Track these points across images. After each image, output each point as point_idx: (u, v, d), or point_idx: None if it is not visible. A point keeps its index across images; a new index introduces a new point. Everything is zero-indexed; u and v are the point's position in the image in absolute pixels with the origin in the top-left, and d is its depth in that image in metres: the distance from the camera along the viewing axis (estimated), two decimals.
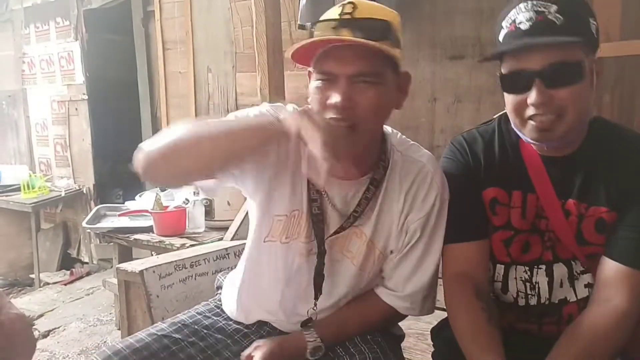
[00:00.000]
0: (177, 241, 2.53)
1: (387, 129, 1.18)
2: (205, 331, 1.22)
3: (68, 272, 4.64)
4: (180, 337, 1.18)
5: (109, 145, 4.54)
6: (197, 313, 1.29)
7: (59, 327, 3.30)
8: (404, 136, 1.21)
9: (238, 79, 3.03)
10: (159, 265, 1.95)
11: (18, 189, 4.64)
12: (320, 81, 1.04)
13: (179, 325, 1.21)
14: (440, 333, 1.31)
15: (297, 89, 2.74)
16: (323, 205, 1.14)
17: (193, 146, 0.96)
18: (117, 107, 4.28)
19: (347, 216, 1.13)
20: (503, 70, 1.05)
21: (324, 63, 1.03)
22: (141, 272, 1.88)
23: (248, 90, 2.91)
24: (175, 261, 2.00)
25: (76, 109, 4.52)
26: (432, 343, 1.34)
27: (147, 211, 2.70)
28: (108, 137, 4.50)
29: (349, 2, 1.04)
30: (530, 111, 1.02)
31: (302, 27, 2.42)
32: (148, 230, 2.66)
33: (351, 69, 1.00)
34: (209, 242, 2.35)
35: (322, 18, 1.06)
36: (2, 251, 5.02)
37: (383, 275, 1.20)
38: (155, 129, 3.65)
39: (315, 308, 1.18)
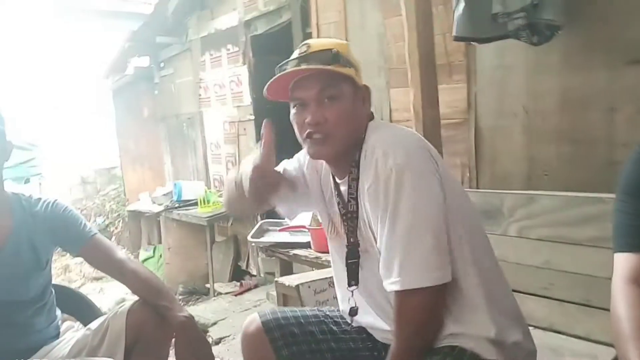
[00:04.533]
0: None
1: (373, 127, 1.35)
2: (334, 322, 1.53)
3: (238, 283, 5.08)
4: (321, 315, 1.53)
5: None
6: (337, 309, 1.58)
7: (229, 336, 3.62)
8: (386, 122, 1.44)
9: (392, 95, 3.11)
10: (314, 280, 2.10)
11: (196, 204, 5.24)
12: (295, 108, 1.34)
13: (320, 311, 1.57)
14: None
15: (452, 103, 2.73)
16: (343, 203, 1.40)
17: (227, 199, 1.45)
18: (281, 126, 4.58)
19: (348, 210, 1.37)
20: None
21: (295, 93, 1.33)
22: (297, 286, 2.05)
23: (402, 105, 2.96)
24: (330, 278, 2.14)
25: (244, 129, 4.98)
26: None
27: (305, 227, 2.87)
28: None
29: (304, 44, 1.34)
30: None
31: (458, 38, 2.39)
32: (306, 245, 2.83)
33: (314, 92, 1.29)
34: None
35: (285, 62, 1.34)
36: (183, 261, 5.66)
37: None
38: None
39: (351, 294, 1.39)
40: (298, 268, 3.05)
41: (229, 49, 5.04)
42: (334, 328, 1.50)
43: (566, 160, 2.36)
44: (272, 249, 3.00)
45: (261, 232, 3.23)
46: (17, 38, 9.17)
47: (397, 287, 1.20)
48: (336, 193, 1.41)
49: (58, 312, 1.87)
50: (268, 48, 4.64)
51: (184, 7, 5.35)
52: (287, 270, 3.04)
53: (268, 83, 1.33)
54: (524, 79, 2.49)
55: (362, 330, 1.50)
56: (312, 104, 1.30)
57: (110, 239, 8.01)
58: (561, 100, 2.37)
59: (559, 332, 1.88)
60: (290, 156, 1.60)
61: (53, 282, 1.86)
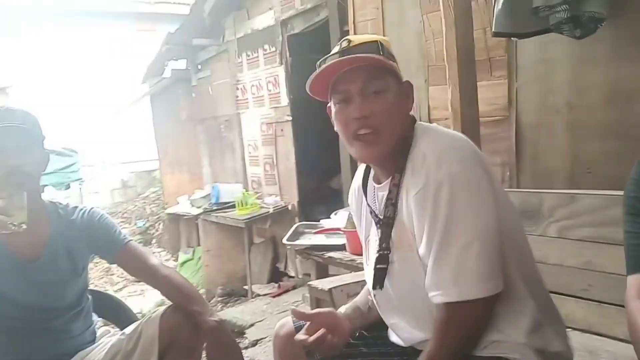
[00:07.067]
0: None
1: (422, 131, 1.31)
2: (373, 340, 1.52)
3: (276, 285, 5.14)
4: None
5: (311, 163, 4.95)
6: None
7: (265, 337, 3.65)
8: (435, 126, 1.35)
9: (430, 92, 3.09)
10: (347, 284, 2.11)
11: (234, 206, 5.33)
12: (339, 104, 1.30)
13: None
14: None
15: (492, 100, 2.69)
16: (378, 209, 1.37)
17: None
18: (318, 127, 4.61)
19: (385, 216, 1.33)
20: None
21: (337, 86, 1.29)
22: (330, 290, 2.06)
23: (441, 104, 2.92)
24: (363, 281, 2.14)
25: (282, 130, 5.03)
26: None
27: (340, 229, 2.88)
28: (310, 156, 4.91)
29: (345, 39, 1.30)
30: None
31: (498, 34, 2.36)
32: (341, 248, 2.82)
33: (359, 84, 1.25)
34: None
35: (325, 57, 1.31)
36: (222, 263, 5.76)
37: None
38: None
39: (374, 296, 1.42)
40: (334, 270, 3.06)
41: (265, 49, 5.10)
42: (365, 333, 1.51)
43: (611, 157, 2.30)
44: (308, 251, 3.02)
45: (297, 234, 3.25)
46: (54, 44, 9.49)
47: (450, 299, 1.18)
48: (372, 200, 1.40)
49: (94, 317, 1.91)
50: (305, 47, 4.68)
51: (221, 8, 5.45)
52: (323, 272, 3.06)
53: (310, 78, 1.29)
54: (568, 73, 2.44)
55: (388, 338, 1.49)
56: (356, 98, 1.25)
57: (150, 242, 8.25)
58: (607, 94, 2.32)
59: (598, 334, 1.83)
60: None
61: (94, 286, 1.89)
